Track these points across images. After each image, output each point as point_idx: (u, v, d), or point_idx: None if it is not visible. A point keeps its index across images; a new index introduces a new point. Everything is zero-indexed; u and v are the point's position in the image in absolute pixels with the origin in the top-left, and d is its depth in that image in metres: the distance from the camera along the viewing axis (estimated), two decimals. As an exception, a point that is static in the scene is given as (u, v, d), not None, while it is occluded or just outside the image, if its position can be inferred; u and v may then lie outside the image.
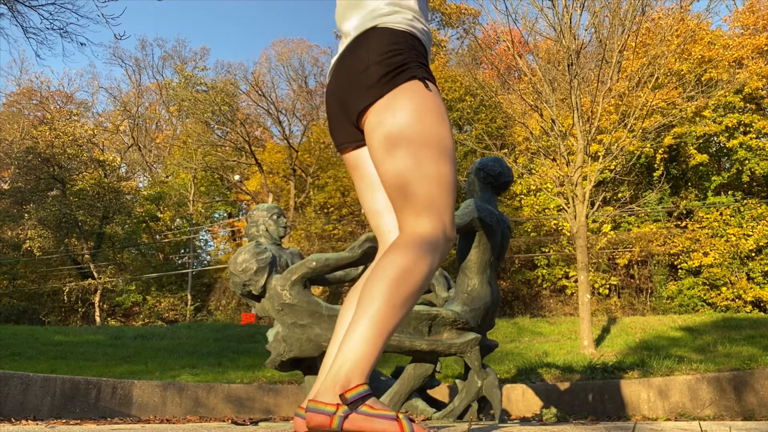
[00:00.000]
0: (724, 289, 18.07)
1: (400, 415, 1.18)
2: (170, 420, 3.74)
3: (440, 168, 1.32)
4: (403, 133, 1.31)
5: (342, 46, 1.48)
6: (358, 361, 1.20)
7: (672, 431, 1.67)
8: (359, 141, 1.49)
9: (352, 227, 25.74)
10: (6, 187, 27.34)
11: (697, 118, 18.79)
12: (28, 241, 24.51)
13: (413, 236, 1.30)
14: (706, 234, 18.68)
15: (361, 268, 3.81)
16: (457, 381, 3.55)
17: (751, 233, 17.99)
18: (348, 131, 1.47)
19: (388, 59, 1.34)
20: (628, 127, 11.54)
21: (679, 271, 19.39)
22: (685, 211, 19.96)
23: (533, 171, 16.34)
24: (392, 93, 1.33)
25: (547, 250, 21.17)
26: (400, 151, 1.31)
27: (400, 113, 1.31)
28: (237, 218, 33.19)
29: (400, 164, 1.31)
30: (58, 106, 32.62)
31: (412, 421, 1.19)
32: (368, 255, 3.43)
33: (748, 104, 19.50)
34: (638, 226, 19.92)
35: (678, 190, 20.57)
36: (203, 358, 9.08)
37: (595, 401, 5.71)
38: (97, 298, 25.70)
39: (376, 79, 1.34)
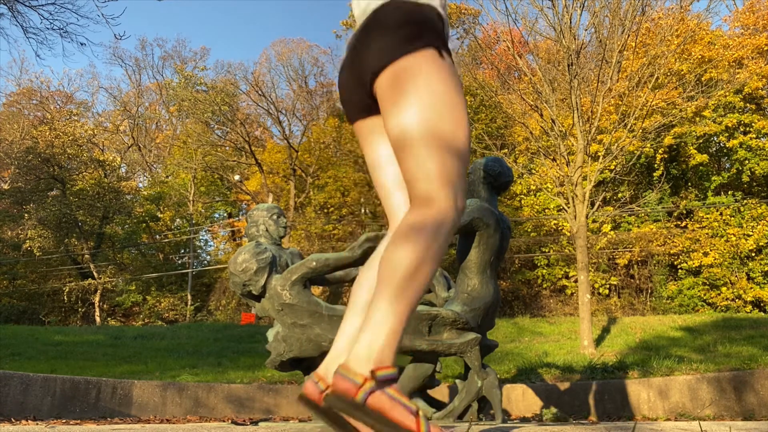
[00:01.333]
0: (724, 289, 18.07)
1: (421, 412, 1.18)
2: (170, 420, 3.74)
3: (455, 141, 1.31)
4: (417, 110, 1.31)
5: (360, 20, 1.47)
6: (388, 337, 1.20)
7: (672, 431, 1.67)
8: (371, 111, 1.48)
9: (352, 227, 25.74)
10: (6, 187, 27.33)
11: (697, 118, 18.78)
12: (28, 241, 24.51)
13: (426, 212, 1.29)
14: (706, 234, 18.67)
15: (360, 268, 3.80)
16: (457, 381, 3.55)
17: (751, 233, 17.99)
18: (360, 101, 1.47)
19: (407, 26, 1.35)
20: (628, 127, 11.54)
21: (679, 271, 19.38)
22: (685, 211, 19.95)
23: (533, 171, 16.33)
24: (407, 58, 1.33)
25: (547, 250, 21.16)
26: (413, 124, 1.30)
27: (413, 88, 1.31)
28: (237, 218, 33.17)
29: (414, 140, 1.31)
30: (58, 106, 32.63)
31: (428, 419, 1.19)
32: (368, 255, 3.42)
33: (748, 104, 19.49)
34: (638, 226, 19.92)
35: (678, 190, 20.57)
36: (203, 358, 9.07)
37: (595, 401, 5.71)
38: (97, 298, 25.70)
39: (393, 43, 1.34)
